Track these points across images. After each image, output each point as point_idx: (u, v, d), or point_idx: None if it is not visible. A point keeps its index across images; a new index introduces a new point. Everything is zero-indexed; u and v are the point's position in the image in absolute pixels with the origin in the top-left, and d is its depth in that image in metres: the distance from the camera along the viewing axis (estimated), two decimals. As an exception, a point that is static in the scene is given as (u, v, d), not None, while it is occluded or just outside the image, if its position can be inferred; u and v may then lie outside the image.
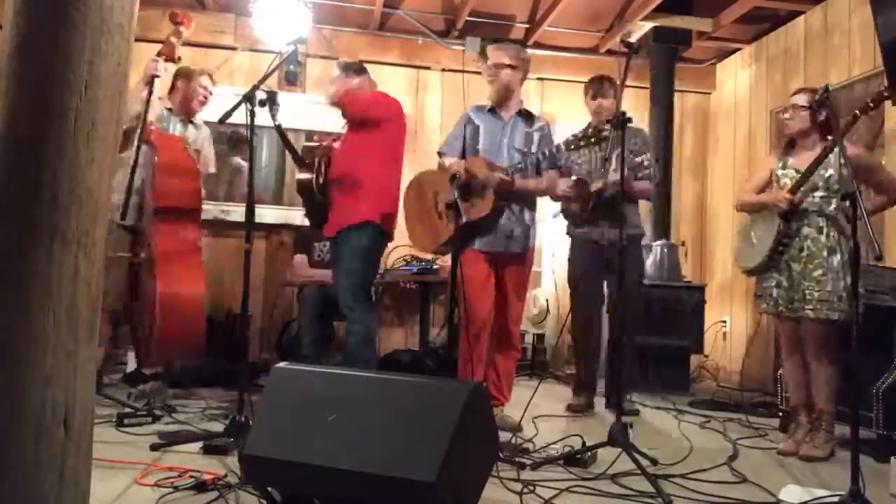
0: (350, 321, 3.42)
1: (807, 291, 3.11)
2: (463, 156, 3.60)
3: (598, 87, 4.06)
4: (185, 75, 4.01)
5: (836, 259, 3.08)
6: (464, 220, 2.99)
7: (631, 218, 3.90)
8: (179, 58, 3.80)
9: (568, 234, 4.18)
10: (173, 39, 3.67)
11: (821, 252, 3.11)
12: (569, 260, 4.21)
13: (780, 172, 3.30)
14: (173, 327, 3.33)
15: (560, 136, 3.60)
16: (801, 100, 3.25)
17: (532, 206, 3.63)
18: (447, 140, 3.72)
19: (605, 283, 4.11)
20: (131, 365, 4.14)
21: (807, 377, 3.23)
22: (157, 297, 3.32)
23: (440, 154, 3.68)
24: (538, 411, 3.73)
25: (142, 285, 3.55)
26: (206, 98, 4.05)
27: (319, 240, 4.88)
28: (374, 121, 3.48)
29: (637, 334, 4.31)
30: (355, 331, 3.39)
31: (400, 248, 5.31)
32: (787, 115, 3.32)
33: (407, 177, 3.57)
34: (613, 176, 3.70)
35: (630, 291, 3.63)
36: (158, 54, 3.66)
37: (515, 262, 3.56)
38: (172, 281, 3.40)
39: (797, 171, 3.20)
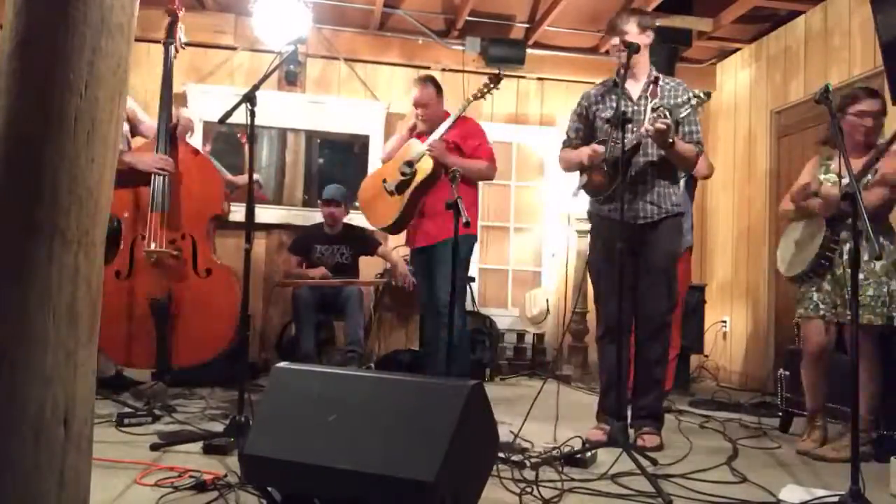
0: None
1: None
2: None
3: (611, 24, 3.39)
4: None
5: (879, 264, 3.01)
6: (463, 219, 2.98)
7: (668, 192, 3.25)
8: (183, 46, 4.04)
9: (590, 212, 3.42)
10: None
11: (862, 257, 3.00)
12: (590, 245, 3.49)
13: (822, 178, 3.24)
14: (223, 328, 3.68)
15: (561, 135, 3.61)
16: (876, 105, 3.14)
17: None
18: None
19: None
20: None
21: (827, 382, 3.19)
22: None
23: None
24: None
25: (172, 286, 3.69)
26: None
27: (320, 241, 4.89)
28: None
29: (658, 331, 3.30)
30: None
31: (399, 249, 5.32)
32: (866, 121, 3.14)
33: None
34: (643, 130, 3.04)
35: (653, 276, 3.22)
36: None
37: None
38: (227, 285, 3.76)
39: (839, 175, 3.13)
